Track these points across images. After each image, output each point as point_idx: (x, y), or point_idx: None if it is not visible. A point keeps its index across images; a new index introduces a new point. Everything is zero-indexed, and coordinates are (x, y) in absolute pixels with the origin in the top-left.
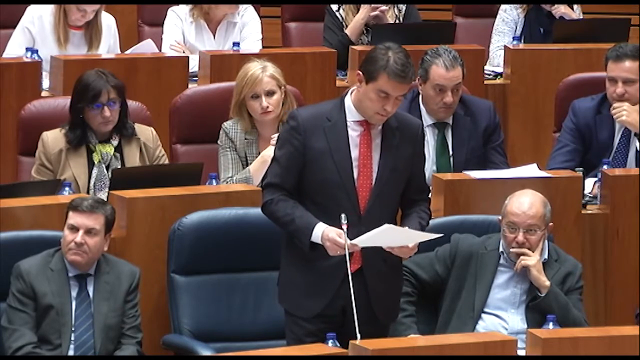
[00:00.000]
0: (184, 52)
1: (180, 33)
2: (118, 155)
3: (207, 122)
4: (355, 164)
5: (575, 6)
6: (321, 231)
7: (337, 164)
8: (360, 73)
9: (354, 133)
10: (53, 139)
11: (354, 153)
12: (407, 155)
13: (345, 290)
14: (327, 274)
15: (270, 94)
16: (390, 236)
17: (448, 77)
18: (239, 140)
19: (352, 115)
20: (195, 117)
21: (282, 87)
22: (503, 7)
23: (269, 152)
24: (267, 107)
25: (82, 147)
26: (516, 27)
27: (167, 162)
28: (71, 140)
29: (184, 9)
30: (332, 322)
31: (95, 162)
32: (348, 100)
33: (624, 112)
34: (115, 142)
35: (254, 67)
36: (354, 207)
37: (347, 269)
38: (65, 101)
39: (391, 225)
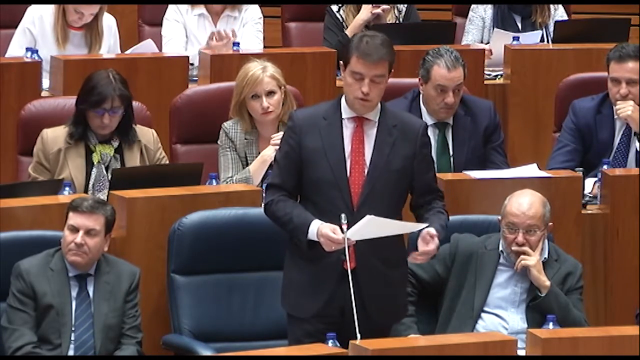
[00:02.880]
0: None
1: (182, 28)
2: (118, 156)
3: (207, 122)
4: (347, 160)
5: (555, 6)
6: (316, 228)
7: (330, 162)
8: (341, 62)
9: (347, 130)
10: (53, 137)
11: (347, 150)
12: (406, 155)
13: (343, 290)
14: (323, 274)
15: (270, 94)
16: (378, 227)
17: (449, 77)
18: (239, 140)
19: (346, 112)
20: (195, 117)
21: (282, 87)
22: (472, 6)
23: (268, 152)
24: (268, 107)
25: (82, 147)
26: (484, 23)
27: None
28: (73, 134)
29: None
30: (331, 322)
31: (95, 163)
32: (344, 98)
33: (629, 108)
34: (115, 144)
35: (254, 67)
36: (346, 204)
37: (344, 267)
38: (65, 101)
39: (373, 217)
